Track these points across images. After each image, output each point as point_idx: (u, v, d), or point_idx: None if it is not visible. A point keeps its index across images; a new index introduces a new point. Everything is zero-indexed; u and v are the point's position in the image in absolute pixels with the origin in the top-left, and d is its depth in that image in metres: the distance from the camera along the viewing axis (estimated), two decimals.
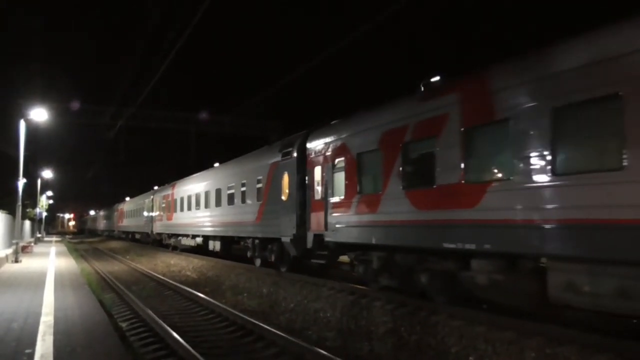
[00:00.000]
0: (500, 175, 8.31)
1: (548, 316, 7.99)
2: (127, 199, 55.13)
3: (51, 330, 7.64)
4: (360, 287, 11.76)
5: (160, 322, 9.63)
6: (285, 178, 15.28)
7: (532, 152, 7.46)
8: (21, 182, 24.72)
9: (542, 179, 7.32)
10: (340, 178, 12.38)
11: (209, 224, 22.96)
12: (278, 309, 11.42)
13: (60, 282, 14.27)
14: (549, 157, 7.24)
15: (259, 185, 17.30)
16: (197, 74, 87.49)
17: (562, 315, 7.91)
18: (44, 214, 63.61)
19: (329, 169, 12.83)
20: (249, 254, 18.57)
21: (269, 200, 16.45)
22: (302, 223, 14.13)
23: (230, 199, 20.14)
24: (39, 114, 22.91)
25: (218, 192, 21.83)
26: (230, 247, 21.33)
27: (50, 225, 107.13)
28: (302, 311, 10.88)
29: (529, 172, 7.49)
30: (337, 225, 12.34)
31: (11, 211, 29.28)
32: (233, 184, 20.03)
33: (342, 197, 12.19)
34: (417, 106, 9.96)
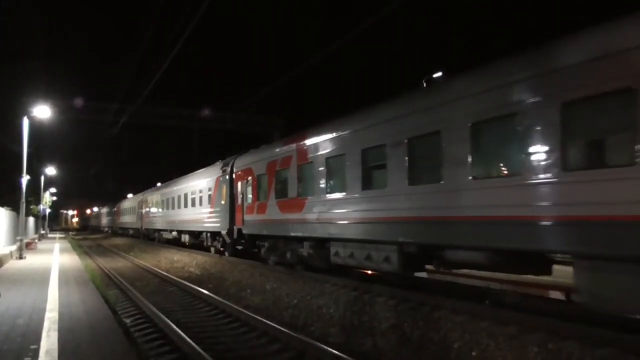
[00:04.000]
0: (308, 193, 13.52)
1: (550, 311, 8.01)
2: (130, 195, 55.47)
3: (56, 326, 7.70)
4: (363, 283, 11.83)
5: (164, 318, 9.68)
6: (224, 188, 20.46)
7: (321, 181, 12.91)
8: (25, 178, 24.79)
9: (324, 197, 12.77)
10: (249, 190, 17.74)
11: (180, 221, 28.60)
12: (281, 305, 11.45)
13: (65, 278, 14.34)
14: (325, 185, 12.75)
15: (210, 193, 22.74)
16: (200, 70, 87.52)
17: (564, 310, 7.92)
18: (48, 210, 63.81)
19: (244, 184, 18.27)
20: (205, 243, 24.07)
21: (215, 204, 21.79)
22: (232, 220, 19.42)
23: (193, 202, 25.76)
24: (42, 111, 22.98)
25: (186, 196, 27.38)
26: (197, 239, 26.22)
27: (54, 222, 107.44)
28: (305, 307, 10.91)
29: (320, 192, 12.92)
30: (248, 222, 17.74)
31: (15, 208, 29.40)
32: (195, 190, 25.47)
33: (250, 203, 17.58)
34: (282, 148, 15.31)
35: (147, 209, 39.61)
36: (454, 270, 11.88)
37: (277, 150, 15.65)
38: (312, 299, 11.42)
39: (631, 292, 6.24)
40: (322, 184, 12.82)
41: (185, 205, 27.33)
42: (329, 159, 12.58)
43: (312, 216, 13.20)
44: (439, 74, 10.16)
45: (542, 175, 7.23)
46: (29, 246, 27.94)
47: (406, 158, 9.89)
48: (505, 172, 8.10)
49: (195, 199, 25.18)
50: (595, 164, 6.74)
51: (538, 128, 7.29)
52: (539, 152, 7.29)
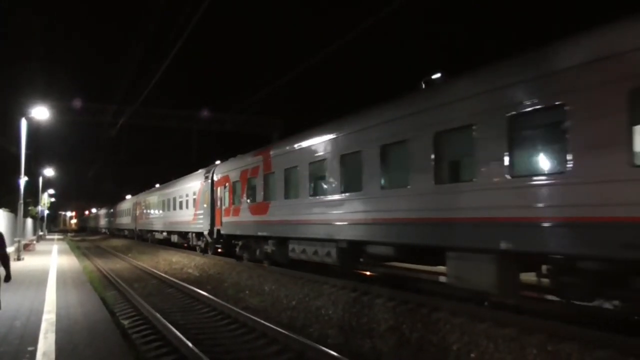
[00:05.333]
0: (271, 198, 15.68)
1: (549, 313, 8.00)
2: (128, 197, 55.53)
3: (53, 328, 7.68)
4: (362, 284, 11.83)
5: (162, 319, 9.65)
6: (207, 193, 22.67)
7: (280, 188, 15.09)
8: (23, 180, 24.77)
9: (283, 202, 14.91)
10: (227, 195, 19.94)
11: (170, 222, 30.92)
12: (280, 306, 11.43)
13: (63, 280, 14.31)
14: (284, 192, 14.87)
15: (194, 197, 25.02)
16: (199, 71, 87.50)
17: (563, 312, 7.92)
18: (46, 212, 63.73)
19: (222, 189, 20.54)
20: (190, 243, 26.50)
21: (199, 207, 24.09)
22: (213, 222, 21.63)
23: (181, 205, 28.13)
24: (41, 112, 22.96)
25: (174, 199, 29.69)
26: (184, 239, 28.27)
27: (52, 223, 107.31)
28: (303, 309, 10.89)
29: (280, 198, 15.04)
30: (225, 223, 19.94)
31: (13, 209, 29.35)
32: (182, 194, 27.81)
33: (227, 207, 19.78)
34: (252, 158, 17.57)
35: (141, 211, 41.71)
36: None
37: (249, 160, 17.97)
38: (311, 300, 11.40)
39: (477, 274, 8.32)
40: (281, 191, 15.04)
41: (174, 208, 29.64)
42: (286, 170, 14.84)
43: (274, 218, 15.44)
44: (438, 74, 10.17)
45: (419, 187, 9.53)
46: (27, 248, 27.88)
47: (339, 171, 12.16)
48: (401, 184, 10.13)
49: (183, 202, 27.60)
50: (452, 179, 9.13)
51: (419, 152, 9.51)
52: (419, 170, 9.53)
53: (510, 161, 7.77)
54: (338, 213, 12.09)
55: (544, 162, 7.77)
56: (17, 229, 26.02)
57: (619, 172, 6.28)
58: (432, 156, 9.21)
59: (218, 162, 23.25)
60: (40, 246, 35.23)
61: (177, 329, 8.85)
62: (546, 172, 7.52)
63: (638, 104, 6.17)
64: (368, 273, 13.96)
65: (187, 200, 26.49)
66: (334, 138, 12.50)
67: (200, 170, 25.24)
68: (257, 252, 17.28)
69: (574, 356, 6.46)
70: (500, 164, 7.88)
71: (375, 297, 10.66)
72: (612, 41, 6.54)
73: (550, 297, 8.28)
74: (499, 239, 7.77)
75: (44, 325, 7.88)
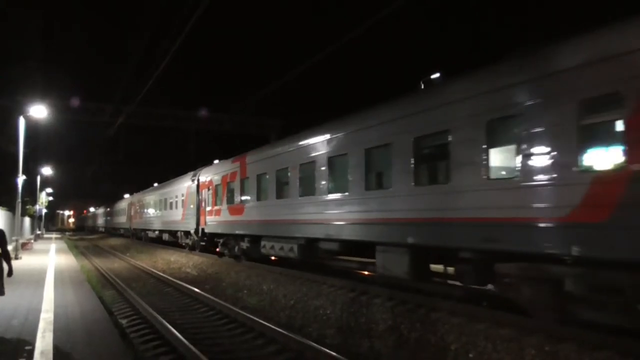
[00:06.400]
0: (246, 201, 17.59)
1: (548, 313, 8.00)
2: (126, 196, 55.54)
3: (51, 327, 7.66)
4: (361, 284, 11.83)
5: (161, 319, 9.64)
6: (193, 195, 24.60)
7: (253, 191, 17.01)
8: (21, 179, 24.71)
9: (255, 204, 16.85)
10: (210, 197, 21.95)
11: (161, 222, 32.75)
12: (278, 306, 11.43)
13: (61, 279, 14.28)
14: (256, 195, 16.80)
15: (183, 198, 27.05)
16: (197, 72, 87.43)
17: (561, 313, 7.92)
18: (44, 210, 63.63)
19: (206, 192, 22.54)
20: (179, 241, 28.31)
21: (187, 208, 26.08)
22: (199, 221, 23.53)
23: (170, 205, 30.07)
24: (39, 111, 22.90)
25: (165, 200, 31.61)
26: (174, 237, 29.80)
27: (50, 222, 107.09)
28: (302, 308, 10.89)
29: (253, 200, 16.94)
30: (208, 223, 21.90)
31: (11, 208, 29.29)
32: (172, 196, 29.70)
33: (210, 208, 21.78)
34: (231, 164, 19.49)
35: (135, 211, 43.54)
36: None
37: (228, 166, 19.85)
38: (309, 300, 11.39)
39: (395, 264, 10.21)
40: (254, 194, 16.89)
41: (165, 208, 31.50)
42: (258, 175, 16.77)
43: (248, 218, 17.34)
44: (437, 74, 10.18)
45: (354, 193, 11.51)
46: (24, 246, 27.81)
47: (298, 177, 14.03)
48: (342, 190, 12.01)
49: (173, 203, 29.53)
50: (377, 187, 11.07)
51: (354, 163, 11.48)
52: (354, 178, 11.50)
53: (414, 172, 9.76)
54: (297, 214, 13.91)
55: (434, 174, 9.85)
56: (14, 228, 25.99)
57: (480, 183, 8.22)
58: (364, 167, 11.21)
59: (217, 161, 23.57)
60: (38, 245, 35.14)
61: (175, 328, 8.83)
62: (434, 183, 9.64)
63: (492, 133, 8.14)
64: (366, 273, 13.97)
65: (177, 201, 28.39)
66: (294, 150, 14.42)
67: (188, 174, 26.99)
68: (236, 249, 19.08)
69: (572, 357, 6.46)
70: (407, 175, 9.86)
71: (373, 297, 10.67)
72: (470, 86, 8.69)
73: (455, 283, 9.54)
74: (407, 235, 9.74)
75: (41, 325, 7.86)
